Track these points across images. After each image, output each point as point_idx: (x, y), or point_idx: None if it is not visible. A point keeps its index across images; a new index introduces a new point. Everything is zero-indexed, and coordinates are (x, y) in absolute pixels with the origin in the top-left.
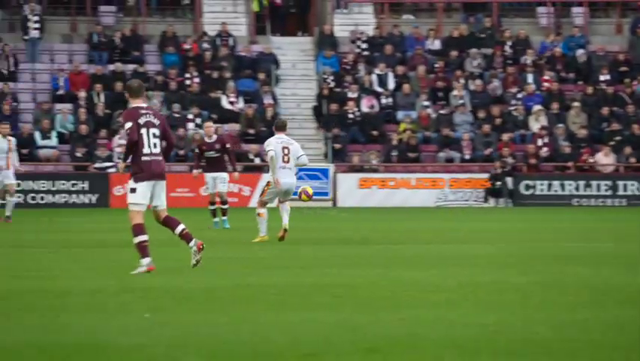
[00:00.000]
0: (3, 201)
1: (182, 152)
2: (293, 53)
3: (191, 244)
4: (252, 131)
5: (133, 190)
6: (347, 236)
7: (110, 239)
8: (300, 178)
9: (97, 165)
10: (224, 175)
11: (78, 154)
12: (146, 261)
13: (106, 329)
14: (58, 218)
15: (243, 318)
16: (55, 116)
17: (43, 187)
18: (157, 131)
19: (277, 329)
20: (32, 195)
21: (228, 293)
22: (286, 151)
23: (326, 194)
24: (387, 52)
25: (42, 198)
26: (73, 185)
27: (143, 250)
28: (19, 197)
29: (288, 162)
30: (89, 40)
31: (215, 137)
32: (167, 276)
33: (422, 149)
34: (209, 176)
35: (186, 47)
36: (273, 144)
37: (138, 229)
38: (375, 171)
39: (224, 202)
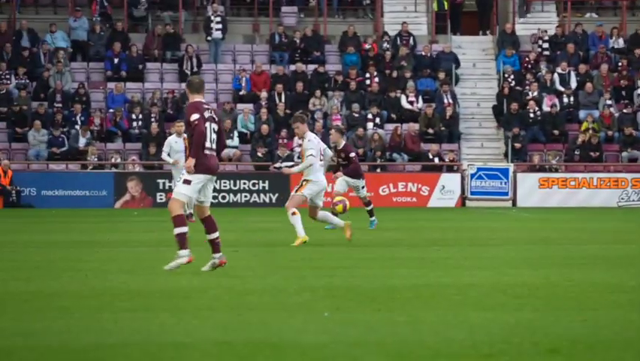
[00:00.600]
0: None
1: (361, 151)
2: (473, 52)
3: (217, 256)
4: (431, 130)
5: (187, 182)
6: (527, 236)
7: (288, 238)
8: (479, 178)
9: (277, 165)
10: (358, 182)
11: (259, 154)
12: (185, 252)
13: (286, 328)
14: (240, 217)
15: (422, 318)
16: (237, 116)
17: (225, 187)
18: (216, 127)
19: (457, 328)
20: (214, 194)
21: (407, 293)
22: (321, 150)
23: (506, 194)
24: (569, 50)
25: (224, 198)
26: (254, 184)
27: (182, 241)
28: None
29: (321, 160)
30: (270, 41)
31: (342, 143)
32: (346, 275)
33: (604, 148)
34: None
35: (367, 46)
36: (315, 144)
37: (180, 220)
38: (555, 170)
39: (365, 204)
